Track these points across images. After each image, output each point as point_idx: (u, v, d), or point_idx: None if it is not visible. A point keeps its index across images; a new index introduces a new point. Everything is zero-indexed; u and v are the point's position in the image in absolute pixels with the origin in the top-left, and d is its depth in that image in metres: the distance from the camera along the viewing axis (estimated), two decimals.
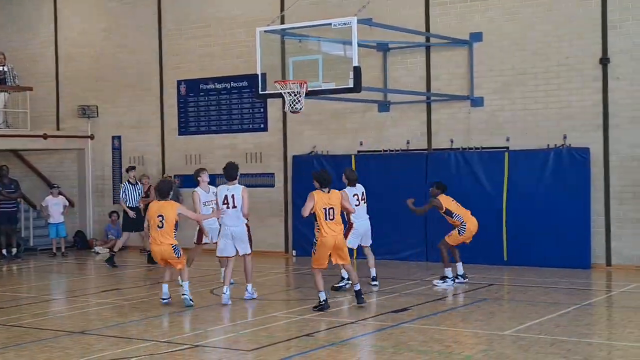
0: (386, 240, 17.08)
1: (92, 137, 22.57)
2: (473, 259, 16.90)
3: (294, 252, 19.31)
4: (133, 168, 19.37)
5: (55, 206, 20.64)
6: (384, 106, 18.40)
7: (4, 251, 20.14)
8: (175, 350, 9.69)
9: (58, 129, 23.10)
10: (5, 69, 21.55)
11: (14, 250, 20.22)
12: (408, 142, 18.18)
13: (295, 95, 14.29)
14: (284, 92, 14.40)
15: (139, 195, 18.78)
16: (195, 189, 14.51)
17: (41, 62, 23.51)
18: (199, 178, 14.59)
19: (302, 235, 19.13)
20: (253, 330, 10.78)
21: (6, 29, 24.08)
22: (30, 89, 22.03)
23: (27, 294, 15.01)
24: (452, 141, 17.68)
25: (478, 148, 17.41)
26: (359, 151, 18.70)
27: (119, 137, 22.24)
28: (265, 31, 15.65)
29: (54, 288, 16.41)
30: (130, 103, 22.07)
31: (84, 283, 16.52)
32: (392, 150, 18.28)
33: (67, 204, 21.02)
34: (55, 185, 21.27)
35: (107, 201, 22.48)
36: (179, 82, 21.25)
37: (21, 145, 22.09)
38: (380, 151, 18.45)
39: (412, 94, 17.73)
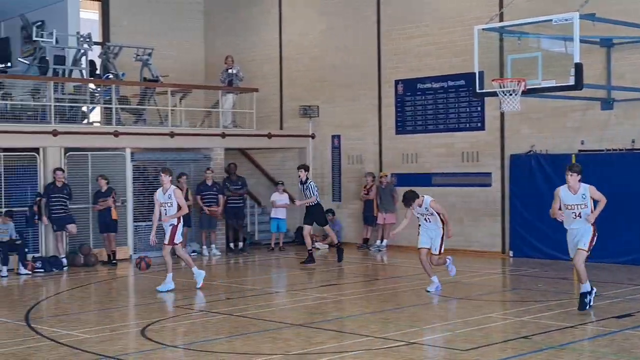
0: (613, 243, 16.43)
1: (313, 136, 23.26)
2: None
3: (511, 253, 19.00)
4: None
5: (279, 202, 21.61)
6: (607, 104, 17.70)
7: (231, 245, 21.32)
8: (391, 347, 9.87)
9: (281, 128, 24.02)
10: (233, 71, 22.70)
11: (240, 244, 21.28)
12: (633, 142, 17.39)
13: (511, 94, 14.12)
14: (499, 92, 14.28)
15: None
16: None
17: (265, 64, 24.52)
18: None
19: (519, 236, 18.80)
20: (469, 329, 10.78)
21: (236, 32, 25.35)
22: (256, 90, 23.03)
23: (252, 286, 15.78)
24: None
25: None
26: (580, 150, 18.10)
27: (338, 136, 22.80)
28: (483, 29, 15.57)
29: (275, 281, 17.14)
30: (349, 102, 22.56)
31: (303, 277, 17.09)
32: (616, 150, 17.56)
33: (289, 201, 21.83)
34: (280, 182, 22.23)
35: (325, 198, 23.03)
36: (397, 82, 21.49)
37: (248, 144, 23.14)
38: (603, 151, 17.78)
39: (638, 91, 16.94)
